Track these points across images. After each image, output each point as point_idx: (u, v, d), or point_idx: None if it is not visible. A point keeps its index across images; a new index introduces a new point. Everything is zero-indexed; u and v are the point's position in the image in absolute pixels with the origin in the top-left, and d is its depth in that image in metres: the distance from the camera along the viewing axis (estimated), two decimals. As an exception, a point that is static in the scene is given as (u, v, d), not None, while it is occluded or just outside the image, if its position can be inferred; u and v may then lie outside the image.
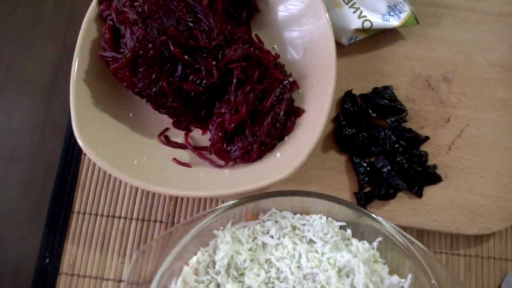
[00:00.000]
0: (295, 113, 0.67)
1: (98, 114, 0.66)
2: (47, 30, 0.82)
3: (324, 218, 0.59)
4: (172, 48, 0.62)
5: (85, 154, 0.73)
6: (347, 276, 0.56)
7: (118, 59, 0.63)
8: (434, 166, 0.71)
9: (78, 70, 0.65)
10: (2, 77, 0.79)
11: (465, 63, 0.77)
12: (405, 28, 0.76)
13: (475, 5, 0.80)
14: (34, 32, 0.82)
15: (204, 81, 0.64)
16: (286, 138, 0.66)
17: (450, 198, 0.70)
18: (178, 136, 0.70)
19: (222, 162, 0.66)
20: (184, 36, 0.62)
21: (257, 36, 0.73)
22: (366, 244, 0.58)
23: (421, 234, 0.71)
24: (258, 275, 0.56)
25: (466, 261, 0.71)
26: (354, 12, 0.73)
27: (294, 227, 0.59)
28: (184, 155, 0.68)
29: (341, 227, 0.59)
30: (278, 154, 0.64)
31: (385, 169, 0.68)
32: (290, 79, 0.68)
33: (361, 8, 0.74)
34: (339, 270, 0.56)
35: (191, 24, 0.63)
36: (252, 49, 0.67)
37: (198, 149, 0.68)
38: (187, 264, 0.57)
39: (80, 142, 0.61)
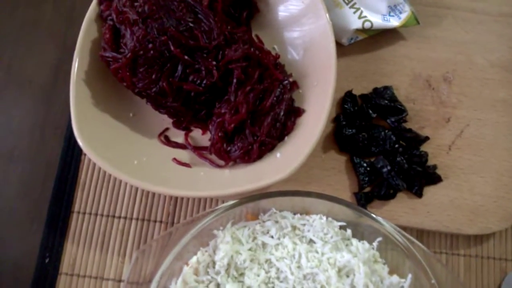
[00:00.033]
0: (295, 113, 0.67)
1: (98, 114, 0.66)
2: (47, 30, 0.82)
3: (324, 218, 0.59)
4: (172, 48, 0.62)
5: (85, 154, 0.73)
6: (347, 276, 0.56)
7: (118, 59, 0.63)
8: (434, 166, 0.71)
9: (78, 70, 0.65)
10: (2, 77, 0.79)
11: (465, 63, 0.77)
12: (405, 28, 0.76)
13: (475, 5, 0.80)
14: (34, 32, 0.82)
15: (204, 81, 0.64)
16: (286, 138, 0.66)
17: (450, 198, 0.70)
18: (178, 136, 0.70)
19: (222, 162, 0.66)
20: (185, 36, 0.62)
21: (257, 36, 0.73)
22: (366, 244, 0.58)
23: (421, 234, 0.71)
24: (258, 275, 0.56)
25: (466, 261, 0.71)
26: (354, 13, 0.73)
27: (294, 227, 0.59)
28: (184, 155, 0.68)
29: (341, 227, 0.59)
30: (278, 154, 0.64)
31: (385, 169, 0.68)
32: (290, 79, 0.68)
33: (362, 8, 0.74)
34: (339, 270, 0.56)
35: (191, 24, 0.63)
36: (252, 49, 0.67)
37: (198, 149, 0.68)
38: (187, 264, 0.57)
39: (80, 142, 0.61)
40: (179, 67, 0.63)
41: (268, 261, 0.57)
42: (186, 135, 0.69)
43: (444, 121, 0.74)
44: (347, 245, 0.58)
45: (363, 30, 0.74)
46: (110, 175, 0.74)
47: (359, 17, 0.73)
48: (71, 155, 0.75)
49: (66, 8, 0.83)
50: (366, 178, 0.69)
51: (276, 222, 0.59)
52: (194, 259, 0.57)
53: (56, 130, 0.76)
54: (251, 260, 0.57)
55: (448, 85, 0.76)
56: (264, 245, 0.58)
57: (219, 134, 0.65)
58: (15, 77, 0.79)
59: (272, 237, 0.58)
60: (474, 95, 0.75)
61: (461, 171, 0.71)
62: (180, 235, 0.56)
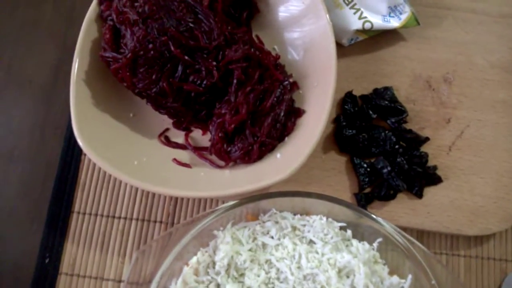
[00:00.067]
0: (295, 113, 0.67)
1: (98, 115, 0.66)
2: (47, 30, 0.82)
3: (324, 218, 0.59)
4: (172, 48, 0.62)
5: (85, 154, 0.73)
6: (347, 277, 0.56)
7: (119, 60, 0.63)
8: (435, 167, 0.71)
9: (78, 70, 0.65)
10: (2, 77, 0.79)
11: (465, 64, 0.77)
12: (405, 29, 0.76)
13: (475, 6, 0.80)
14: (34, 32, 0.82)
15: (205, 82, 0.64)
16: (286, 138, 0.66)
17: (450, 199, 0.70)
18: (178, 136, 0.70)
19: (222, 163, 0.66)
20: (185, 37, 0.62)
21: (257, 36, 0.73)
22: (366, 245, 0.58)
23: (421, 234, 0.71)
24: (258, 276, 0.56)
25: (466, 261, 0.71)
26: (354, 13, 0.73)
27: (294, 228, 0.59)
28: (184, 155, 0.68)
29: (341, 228, 0.59)
30: (278, 155, 0.64)
31: (385, 170, 0.68)
32: (291, 80, 0.68)
33: (362, 9, 0.74)
34: (339, 271, 0.56)
35: (191, 25, 0.63)
36: (252, 49, 0.67)
37: (198, 150, 0.68)
38: (187, 265, 0.57)
39: (80, 142, 0.61)
40: (179, 68, 0.63)
41: (268, 261, 0.57)
42: (186, 136, 0.69)
43: (444, 122, 0.74)
44: (347, 245, 0.58)
45: (363, 31, 0.74)
46: (110, 175, 0.74)
47: (359, 18, 0.73)
48: (71, 155, 0.75)
49: (66, 8, 0.83)
50: (366, 179, 0.69)
51: (276, 222, 0.59)
52: (194, 259, 0.57)
53: (56, 130, 0.76)
54: (251, 261, 0.57)
55: (448, 86, 0.76)
56: (264, 245, 0.58)
57: (219, 135, 0.65)
58: (15, 77, 0.79)
59: (272, 237, 0.58)
60: (474, 96, 0.75)
61: (461, 172, 0.71)
62: (180, 235, 0.56)
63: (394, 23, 0.74)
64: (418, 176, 0.69)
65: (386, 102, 0.72)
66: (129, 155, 0.65)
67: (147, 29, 0.62)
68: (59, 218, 0.72)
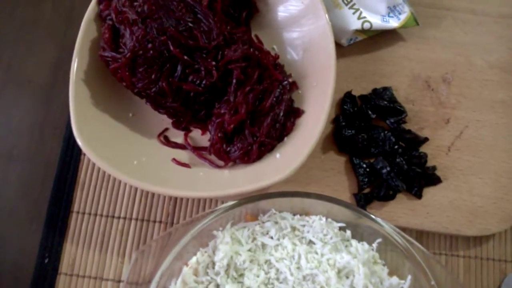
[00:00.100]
0: (294, 113, 0.67)
1: (98, 114, 0.66)
2: (46, 29, 0.82)
3: (324, 219, 0.59)
4: (171, 48, 0.62)
5: (84, 154, 0.73)
6: (347, 277, 0.56)
7: (118, 59, 0.63)
8: (434, 167, 0.71)
9: (77, 70, 0.64)
10: (2, 76, 0.79)
11: (464, 64, 0.77)
12: (404, 29, 0.76)
13: (475, 6, 0.80)
14: (33, 31, 0.82)
15: (204, 82, 0.64)
16: (285, 138, 0.66)
17: (449, 199, 0.70)
18: (177, 136, 0.70)
19: (221, 163, 0.66)
20: (184, 36, 0.62)
21: (256, 36, 0.73)
22: (366, 245, 0.58)
23: (420, 235, 0.71)
24: (258, 276, 0.56)
25: (465, 262, 0.71)
26: (353, 13, 0.73)
27: (293, 228, 0.59)
28: (183, 155, 0.68)
29: (340, 228, 0.59)
30: (277, 155, 0.64)
31: (384, 170, 0.68)
32: (290, 80, 0.68)
33: (361, 9, 0.74)
34: (339, 271, 0.56)
35: (190, 24, 0.63)
36: (251, 49, 0.67)
37: (197, 150, 0.68)
38: (187, 265, 0.57)
39: (79, 142, 0.61)
40: (179, 67, 0.63)
41: (267, 262, 0.57)
42: (186, 135, 0.69)
43: (443, 122, 0.74)
44: (346, 246, 0.58)
45: (362, 31, 0.74)
46: (109, 175, 0.73)
47: (359, 18, 0.73)
48: (71, 155, 0.74)
49: (66, 8, 0.83)
50: (366, 179, 0.69)
51: (276, 223, 0.59)
52: (193, 259, 0.57)
53: (55, 130, 0.76)
54: (251, 261, 0.57)
55: (447, 86, 0.76)
56: (263, 246, 0.58)
57: (219, 135, 0.65)
58: (15, 77, 0.79)
59: (271, 238, 0.58)
60: (473, 96, 0.75)
61: (460, 172, 0.71)
62: (179, 235, 0.56)
63: (393, 23, 0.74)
64: (417, 176, 0.69)
65: (385, 102, 0.72)
66: (129, 155, 0.65)
67: (146, 29, 0.62)
68: (58, 218, 0.72)
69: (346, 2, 0.74)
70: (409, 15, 0.74)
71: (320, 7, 0.66)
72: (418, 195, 0.69)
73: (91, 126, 0.64)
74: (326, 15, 0.66)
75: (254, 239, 0.59)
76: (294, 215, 0.60)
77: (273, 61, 0.69)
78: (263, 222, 0.60)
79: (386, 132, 0.71)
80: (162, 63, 0.63)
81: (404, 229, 0.62)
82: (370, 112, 0.72)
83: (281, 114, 0.66)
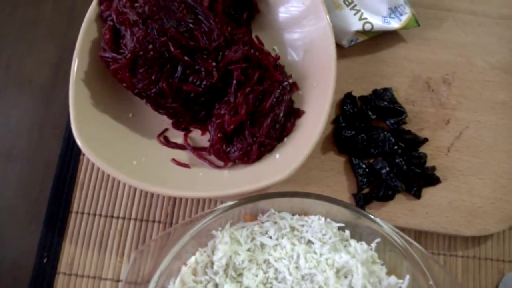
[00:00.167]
0: (294, 114, 0.67)
1: (98, 115, 0.66)
2: (47, 29, 0.82)
3: (323, 219, 0.59)
4: (172, 49, 0.62)
5: (84, 154, 0.73)
6: (345, 277, 0.56)
7: (118, 60, 0.63)
8: (433, 168, 0.71)
9: (77, 70, 0.65)
10: (2, 76, 0.79)
11: (465, 65, 0.77)
12: (405, 30, 0.76)
13: (475, 7, 0.80)
14: (34, 31, 0.82)
15: (204, 82, 0.64)
16: (285, 139, 0.66)
17: (448, 200, 0.70)
18: (177, 136, 0.70)
19: (221, 163, 0.66)
20: (185, 37, 0.62)
21: (257, 37, 0.73)
22: (365, 245, 0.58)
23: (419, 235, 0.71)
24: (256, 276, 0.56)
25: (464, 262, 0.71)
26: (355, 14, 0.74)
27: (292, 228, 0.59)
28: (183, 155, 0.68)
29: (339, 228, 0.59)
30: (277, 155, 0.64)
31: (384, 171, 0.68)
32: (290, 81, 0.69)
33: (362, 10, 0.74)
34: (337, 271, 0.56)
35: (191, 25, 0.63)
36: (252, 50, 0.67)
37: (197, 150, 0.68)
38: (186, 264, 0.57)
39: (79, 142, 0.61)
40: (179, 68, 0.63)
41: (266, 261, 0.57)
42: (186, 136, 0.69)
43: (443, 123, 0.74)
44: (345, 246, 0.58)
45: (363, 32, 0.74)
46: (108, 175, 0.74)
47: (360, 19, 0.73)
48: (70, 155, 0.75)
49: (66, 8, 0.83)
50: (365, 179, 0.69)
51: (275, 223, 0.59)
52: (192, 259, 0.57)
53: (55, 130, 0.76)
54: (250, 261, 0.57)
55: (448, 87, 0.76)
56: (262, 245, 0.58)
57: (219, 135, 0.65)
58: (15, 77, 0.79)
59: (270, 237, 0.58)
60: (473, 97, 0.75)
61: (460, 173, 0.71)
62: (178, 235, 0.56)
63: (394, 24, 0.74)
64: (417, 176, 0.69)
65: (386, 103, 0.72)
66: (128, 155, 0.65)
67: (147, 30, 0.62)
68: (57, 217, 0.72)
69: (347, 3, 0.74)
70: (410, 16, 0.74)
71: (321, 8, 0.66)
72: (417, 196, 0.69)
73: (91, 127, 0.64)
74: (327, 16, 0.66)
75: (253, 239, 0.59)
76: (293, 215, 0.60)
77: (274, 62, 0.69)
78: (262, 222, 0.60)
79: (386, 132, 0.71)
80: (163, 64, 0.63)
81: (403, 229, 0.62)
82: (370, 113, 0.72)
83: (281, 114, 0.66)
